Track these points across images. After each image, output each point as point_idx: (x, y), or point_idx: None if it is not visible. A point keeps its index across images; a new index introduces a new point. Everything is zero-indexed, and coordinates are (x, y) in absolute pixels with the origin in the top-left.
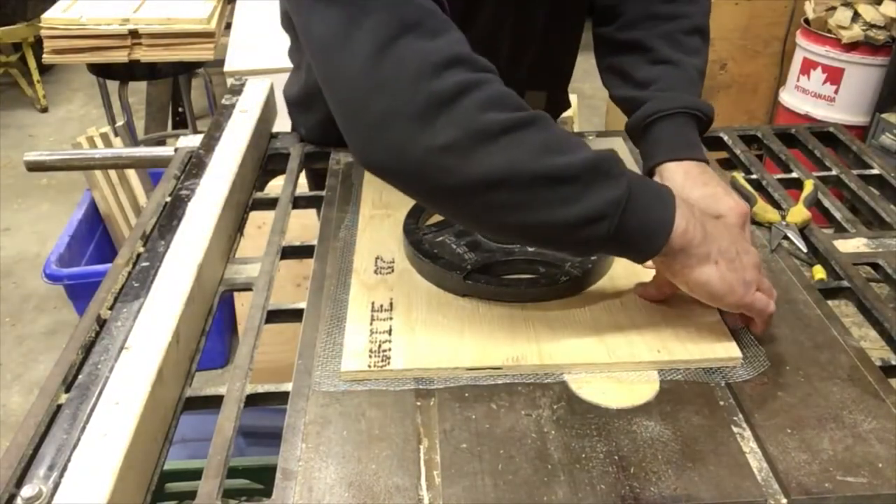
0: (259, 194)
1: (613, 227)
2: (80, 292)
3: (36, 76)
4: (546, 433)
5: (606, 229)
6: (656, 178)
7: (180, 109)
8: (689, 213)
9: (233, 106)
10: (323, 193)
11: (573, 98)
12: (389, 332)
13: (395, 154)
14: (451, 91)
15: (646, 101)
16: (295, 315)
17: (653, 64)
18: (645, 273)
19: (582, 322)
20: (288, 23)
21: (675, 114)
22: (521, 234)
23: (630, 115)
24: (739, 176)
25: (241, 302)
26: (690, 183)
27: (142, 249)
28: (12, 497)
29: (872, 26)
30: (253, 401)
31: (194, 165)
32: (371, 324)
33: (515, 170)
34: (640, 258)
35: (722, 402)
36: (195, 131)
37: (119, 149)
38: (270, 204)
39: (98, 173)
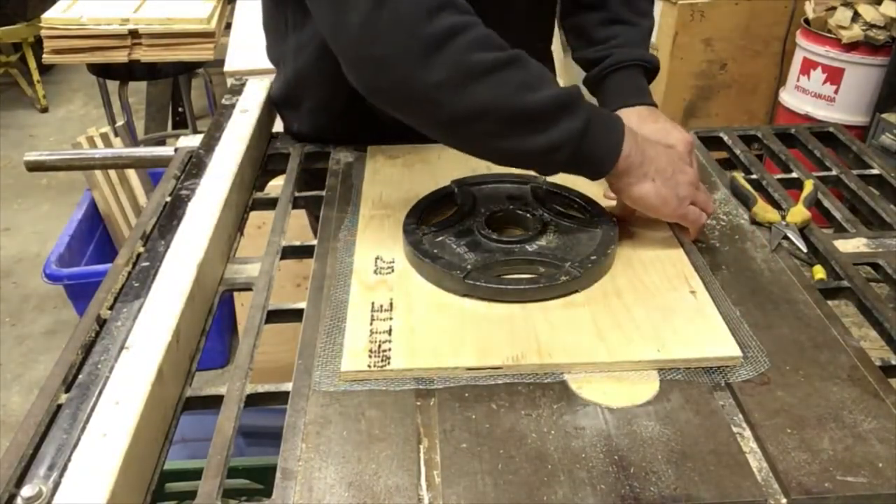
0: (259, 194)
1: (571, 153)
2: (80, 292)
3: (36, 76)
4: (546, 433)
5: (566, 156)
6: None
7: (180, 109)
8: (632, 141)
9: (233, 106)
10: (323, 193)
11: None
12: (389, 332)
13: (397, 91)
14: (443, 34)
15: (605, 56)
16: (295, 315)
17: (610, 24)
18: (645, 273)
19: (582, 322)
20: (268, 22)
21: (629, 66)
22: (496, 157)
23: (589, 71)
24: (739, 176)
25: (241, 302)
26: (644, 122)
27: (142, 249)
28: (12, 497)
29: (872, 26)
30: (253, 401)
31: (194, 165)
32: (371, 324)
33: (497, 105)
34: (591, 177)
35: (722, 402)
36: (195, 131)
37: (119, 149)
38: (270, 204)
39: (98, 173)
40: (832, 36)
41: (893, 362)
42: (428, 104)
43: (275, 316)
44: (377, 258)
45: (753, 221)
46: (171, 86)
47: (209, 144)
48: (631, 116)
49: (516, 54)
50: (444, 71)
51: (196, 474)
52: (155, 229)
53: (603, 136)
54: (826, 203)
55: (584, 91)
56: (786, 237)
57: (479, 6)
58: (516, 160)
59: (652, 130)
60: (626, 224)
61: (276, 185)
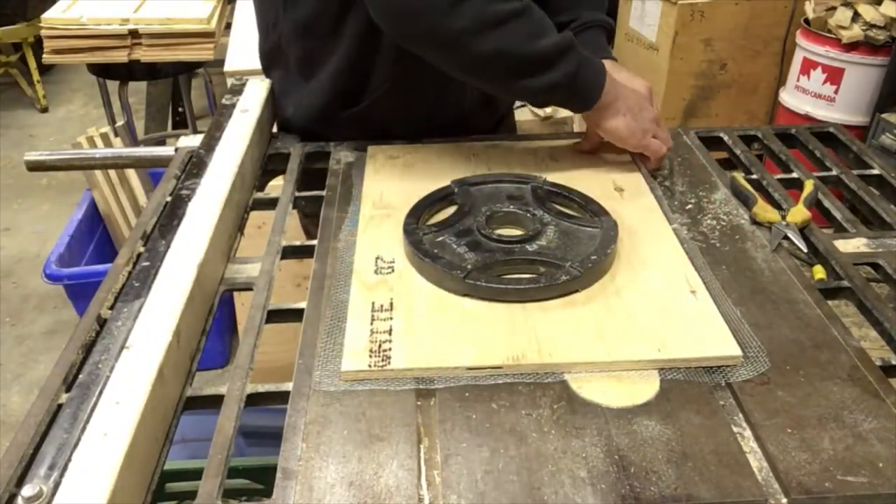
0: (259, 194)
1: (567, 90)
2: (80, 292)
3: (36, 76)
4: (546, 433)
5: (562, 92)
6: None
7: (180, 109)
8: (610, 81)
9: (233, 106)
10: (323, 193)
11: None
12: (390, 331)
13: (426, 38)
14: None
15: (573, 19)
16: (295, 315)
17: None
18: (645, 273)
19: (582, 321)
20: (263, 15)
21: (593, 27)
22: (509, 94)
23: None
24: (739, 176)
25: (241, 302)
26: (613, 72)
27: (142, 249)
28: (13, 496)
29: (872, 26)
30: (253, 400)
31: (195, 165)
32: (371, 323)
33: (511, 50)
34: (579, 110)
35: (722, 402)
36: (195, 131)
37: (119, 149)
38: (270, 204)
39: (98, 173)
40: (832, 36)
41: (893, 362)
42: (452, 49)
43: (275, 316)
44: (377, 258)
45: (754, 221)
46: (171, 86)
47: (209, 144)
48: None
49: (526, 5)
50: (467, 20)
51: (196, 474)
52: (155, 229)
53: (591, 76)
54: (826, 203)
55: None
56: (786, 237)
57: None
58: (520, 96)
59: (620, 78)
60: (592, 152)
61: (277, 185)
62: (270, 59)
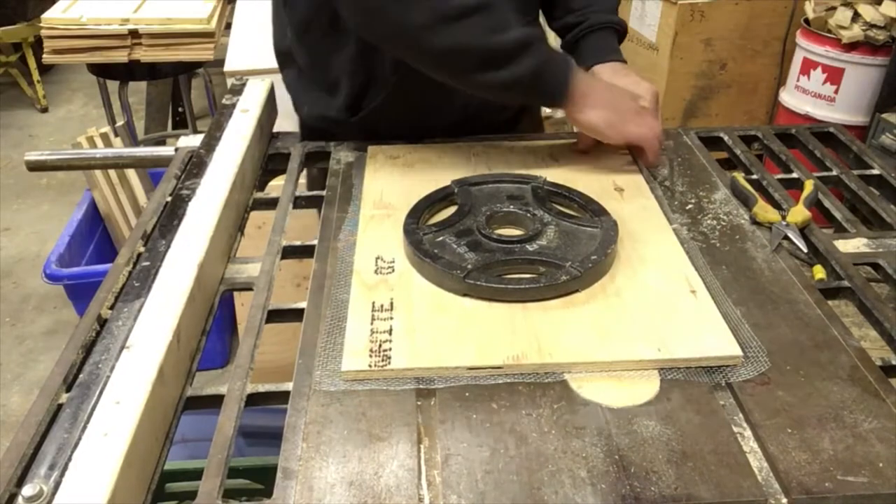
0: (259, 194)
1: (531, 86)
2: (80, 292)
3: (36, 76)
4: (546, 433)
5: (524, 89)
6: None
7: (180, 109)
8: (582, 78)
9: (233, 106)
10: (323, 193)
11: None
12: (390, 331)
13: (388, 32)
14: None
15: (582, 20)
16: (295, 315)
17: None
18: (645, 272)
19: (582, 322)
20: (275, 14)
21: (603, 28)
22: (469, 87)
23: (567, 35)
24: (739, 176)
25: (241, 302)
26: (617, 74)
27: (142, 249)
28: (13, 496)
29: (872, 26)
30: (253, 400)
31: (195, 165)
32: (371, 323)
33: (470, 44)
34: (548, 105)
35: (722, 402)
36: (195, 131)
37: (119, 149)
38: (270, 204)
39: (98, 173)
40: (832, 36)
41: (894, 362)
42: (414, 43)
43: (275, 316)
44: (378, 258)
45: (754, 221)
46: (171, 86)
47: (209, 144)
48: (605, 70)
49: (486, 1)
50: (426, 14)
51: (196, 474)
52: (155, 229)
53: (555, 72)
54: (826, 203)
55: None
56: (786, 237)
57: None
58: (488, 91)
59: (624, 83)
60: (587, 151)
61: (277, 185)
62: (283, 59)
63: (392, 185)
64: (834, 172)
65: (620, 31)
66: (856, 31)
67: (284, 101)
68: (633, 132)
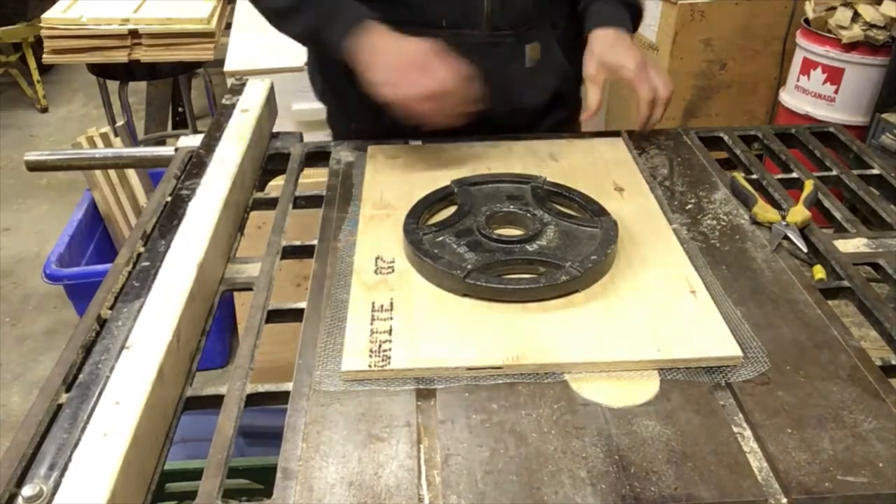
0: (259, 194)
1: (314, 40)
2: (80, 292)
3: (36, 76)
4: (546, 433)
5: (312, 41)
6: (591, 41)
7: (180, 109)
8: (370, 43)
9: (233, 106)
10: (323, 193)
11: None
12: (390, 331)
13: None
14: None
15: None
16: (295, 315)
17: None
18: (645, 273)
19: (582, 322)
20: None
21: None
22: (283, 33)
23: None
24: (740, 176)
25: (241, 302)
26: (607, 40)
27: (142, 249)
28: (13, 496)
29: (872, 26)
30: (253, 400)
31: (195, 165)
32: (371, 323)
33: (259, 4)
34: (338, 58)
35: (722, 402)
36: (195, 131)
37: (119, 149)
38: (270, 204)
39: (98, 173)
40: (832, 36)
41: (893, 362)
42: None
43: (275, 316)
44: (377, 258)
45: (754, 221)
46: (171, 86)
47: (209, 144)
48: (606, 36)
49: None
50: None
51: (196, 474)
52: (155, 229)
53: (333, 31)
54: (826, 203)
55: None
56: (786, 237)
57: None
58: (293, 36)
59: (611, 52)
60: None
61: (277, 185)
62: (310, 61)
63: (392, 185)
64: (834, 172)
65: (632, 6)
66: (856, 31)
67: (284, 100)
68: (409, 92)
